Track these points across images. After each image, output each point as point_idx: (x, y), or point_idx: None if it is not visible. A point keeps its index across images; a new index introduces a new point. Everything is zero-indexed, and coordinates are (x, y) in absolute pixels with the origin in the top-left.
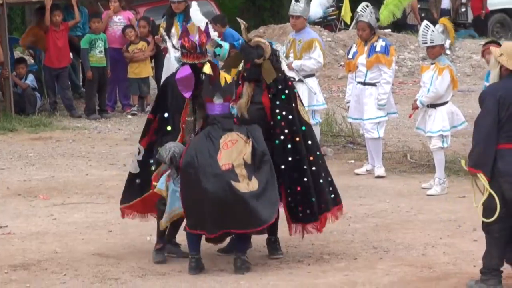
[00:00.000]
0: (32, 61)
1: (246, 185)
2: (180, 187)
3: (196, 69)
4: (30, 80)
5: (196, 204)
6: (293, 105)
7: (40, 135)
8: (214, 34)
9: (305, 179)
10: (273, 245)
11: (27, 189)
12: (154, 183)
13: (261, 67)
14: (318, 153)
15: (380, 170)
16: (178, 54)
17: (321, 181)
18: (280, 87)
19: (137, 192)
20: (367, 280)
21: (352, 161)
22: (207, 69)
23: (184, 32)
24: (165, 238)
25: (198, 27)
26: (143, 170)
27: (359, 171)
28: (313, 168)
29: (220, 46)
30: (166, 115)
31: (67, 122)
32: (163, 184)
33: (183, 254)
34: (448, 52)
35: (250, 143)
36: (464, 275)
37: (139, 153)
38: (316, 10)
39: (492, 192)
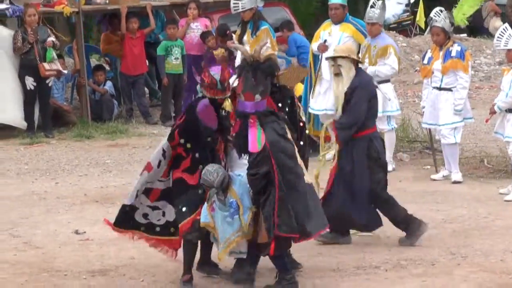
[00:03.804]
0: (108, 68)
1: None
2: (278, 192)
3: (216, 104)
4: (109, 86)
5: (297, 208)
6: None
7: (116, 142)
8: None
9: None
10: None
11: (104, 195)
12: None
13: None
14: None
15: (457, 176)
16: None
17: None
18: (289, 102)
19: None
20: (445, 286)
21: (429, 167)
22: (228, 105)
23: (206, 66)
24: (192, 267)
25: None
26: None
27: (435, 176)
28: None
29: None
30: (197, 155)
31: (143, 128)
32: (207, 216)
33: (224, 273)
34: None
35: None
36: None
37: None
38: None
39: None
